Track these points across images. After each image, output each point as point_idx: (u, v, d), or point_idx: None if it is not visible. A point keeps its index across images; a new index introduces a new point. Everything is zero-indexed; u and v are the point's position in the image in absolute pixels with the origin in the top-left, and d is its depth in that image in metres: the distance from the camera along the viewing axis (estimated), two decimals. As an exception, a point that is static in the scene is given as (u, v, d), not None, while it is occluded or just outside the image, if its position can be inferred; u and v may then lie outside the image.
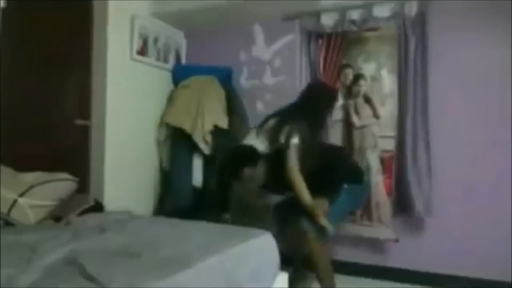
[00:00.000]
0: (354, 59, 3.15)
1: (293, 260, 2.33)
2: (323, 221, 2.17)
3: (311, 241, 2.18)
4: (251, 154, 2.33)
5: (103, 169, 2.77)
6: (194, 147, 3.00)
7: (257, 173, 2.32)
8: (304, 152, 2.20)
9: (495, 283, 2.51)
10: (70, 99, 2.77)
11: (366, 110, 3.06)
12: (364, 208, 2.97)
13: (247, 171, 2.30)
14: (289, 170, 2.17)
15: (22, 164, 2.09)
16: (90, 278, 1.11)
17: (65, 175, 2.11)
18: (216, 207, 2.92)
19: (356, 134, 3.07)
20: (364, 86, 3.08)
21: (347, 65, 3.18)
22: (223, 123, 3.01)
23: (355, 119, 3.06)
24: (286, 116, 2.31)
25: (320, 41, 3.08)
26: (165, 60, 3.33)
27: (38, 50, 2.50)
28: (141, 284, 1.09)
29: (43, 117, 2.56)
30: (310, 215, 2.18)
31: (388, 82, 2.96)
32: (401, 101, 2.74)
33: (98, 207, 2.23)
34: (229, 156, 2.49)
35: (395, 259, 2.82)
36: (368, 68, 3.05)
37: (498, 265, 2.51)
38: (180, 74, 3.35)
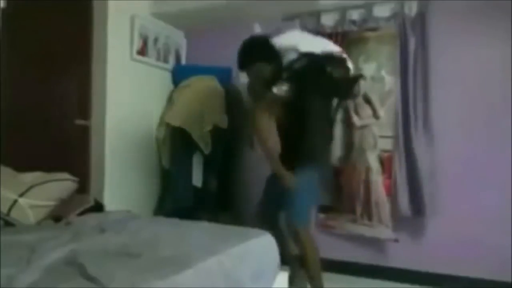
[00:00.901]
0: (354, 59, 3.13)
1: (290, 260, 2.31)
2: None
3: (303, 239, 2.17)
4: (267, 47, 2.19)
5: (103, 169, 2.77)
6: (194, 147, 3.00)
7: (266, 69, 2.16)
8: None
9: (495, 283, 2.51)
10: (70, 99, 2.77)
11: (366, 110, 3.05)
12: (364, 207, 2.96)
13: (260, 65, 2.16)
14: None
15: (22, 164, 2.09)
16: (90, 278, 1.11)
17: (65, 175, 2.11)
18: (216, 207, 2.92)
19: (356, 134, 3.06)
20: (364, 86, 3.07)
21: (347, 65, 3.17)
22: (223, 123, 3.01)
23: (355, 119, 3.06)
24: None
25: (320, 41, 3.08)
26: (165, 60, 3.33)
27: (38, 50, 2.50)
28: (141, 284, 1.08)
29: (43, 117, 2.56)
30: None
31: (388, 82, 2.96)
32: (402, 101, 2.75)
33: (98, 207, 2.23)
34: (244, 44, 2.28)
35: (395, 259, 2.82)
36: (368, 68, 3.04)
37: (498, 265, 2.51)
38: (180, 74, 3.35)
